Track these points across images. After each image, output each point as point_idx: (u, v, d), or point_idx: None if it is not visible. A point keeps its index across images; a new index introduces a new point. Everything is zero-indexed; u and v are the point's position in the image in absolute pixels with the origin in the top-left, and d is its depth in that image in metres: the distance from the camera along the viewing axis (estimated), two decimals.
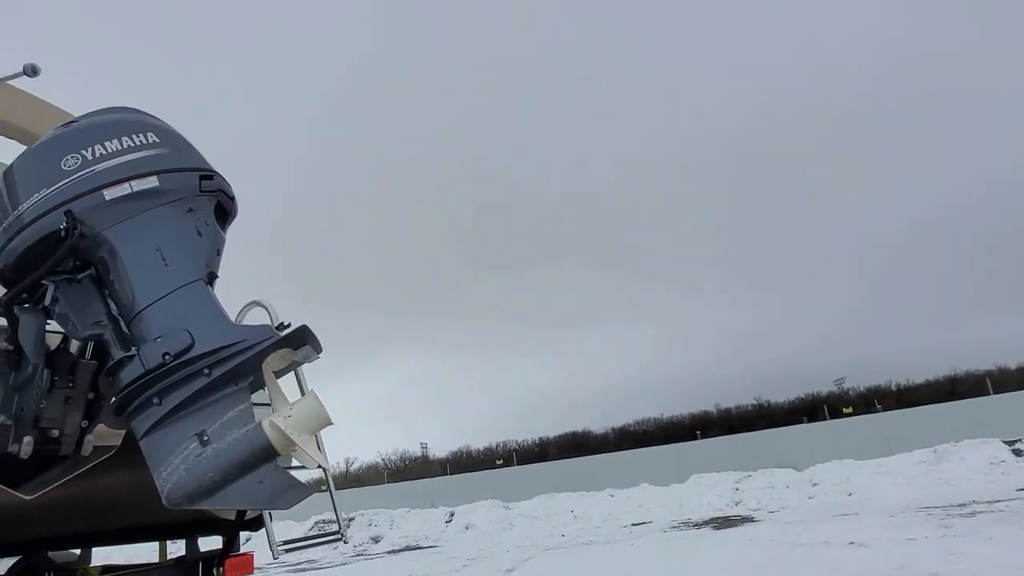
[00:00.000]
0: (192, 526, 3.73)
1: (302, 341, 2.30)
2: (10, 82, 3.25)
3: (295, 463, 2.26)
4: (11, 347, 2.33)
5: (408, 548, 18.87)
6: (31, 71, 3.02)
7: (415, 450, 46.42)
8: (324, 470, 3.54)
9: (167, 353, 2.16)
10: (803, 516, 14.83)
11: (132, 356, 2.19)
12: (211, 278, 2.46)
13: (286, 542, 2.92)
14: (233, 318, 3.96)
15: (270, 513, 3.55)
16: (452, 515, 21.44)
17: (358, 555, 18.75)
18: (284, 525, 21.99)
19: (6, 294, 2.37)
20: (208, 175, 2.54)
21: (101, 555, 4.85)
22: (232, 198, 2.65)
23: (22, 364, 2.32)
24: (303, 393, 3.54)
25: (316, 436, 2.24)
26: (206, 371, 2.17)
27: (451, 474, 30.63)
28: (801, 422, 23.55)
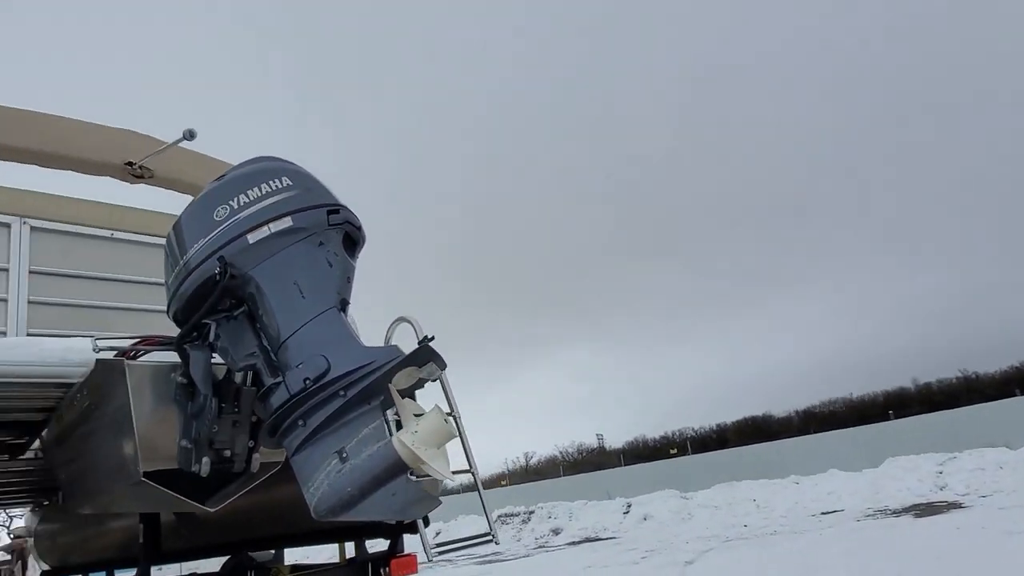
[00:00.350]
0: (359, 529, 4.06)
1: (426, 359, 2.44)
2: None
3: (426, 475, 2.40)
4: (185, 380, 2.67)
5: (587, 540, 19.05)
6: (189, 135, 3.45)
7: (591, 441, 46.64)
8: (472, 474, 3.69)
9: (307, 378, 2.38)
10: (1020, 501, 13.18)
11: (279, 383, 2.44)
12: (343, 305, 2.67)
13: (439, 545, 3.07)
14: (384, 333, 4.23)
15: (426, 517, 3.76)
16: (629, 506, 21.34)
17: (539, 547, 19.21)
18: (470, 519, 23.05)
19: (180, 334, 2.73)
20: (335, 209, 2.76)
21: (290, 555, 5.43)
22: (358, 227, 2.85)
23: (195, 394, 2.65)
24: (451, 407, 3.73)
25: (443, 448, 2.36)
26: (342, 392, 2.36)
27: (626, 464, 30.46)
28: (1014, 395, 20.74)
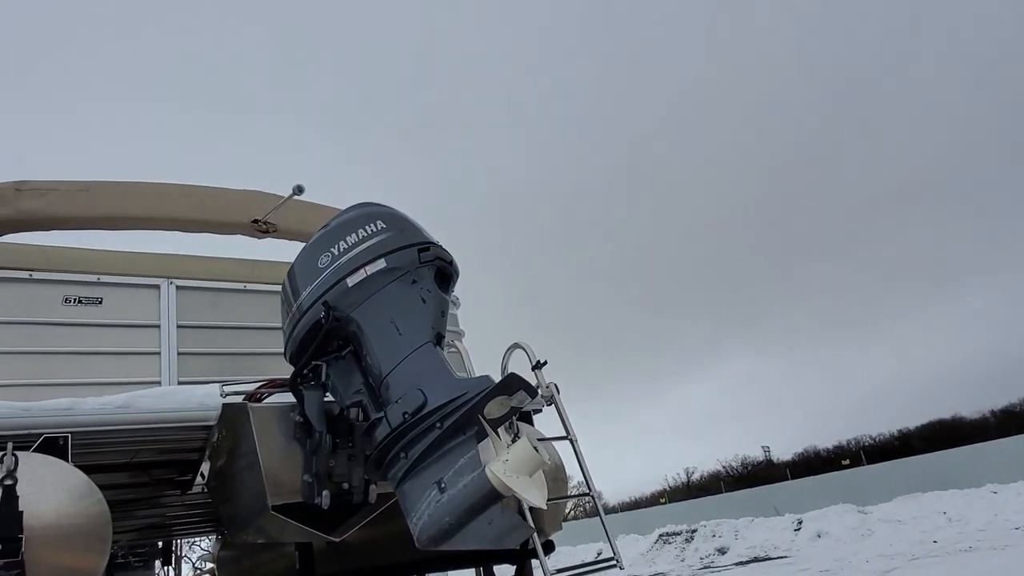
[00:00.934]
0: (486, 555, 4.12)
1: (515, 387, 2.45)
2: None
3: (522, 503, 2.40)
4: (302, 419, 2.86)
5: (756, 559, 18.06)
6: (298, 190, 3.75)
7: (756, 454, 44.36)
8: (593, 497, 3.64)
9: (406, 412, 2.48)
10: None
11: (381, 417, 2.56)
12: (439, 339, 2.76)
13: (560, 571, 3.05)
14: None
15: (551, 541, 3.75)
16: (800, 522, 19.99)
17: (704, 567, 18.46)
18: (630, 539, 22.63)
19: (292, 375, 2.94)
20: (425, 247, 2.87)
21: None
22: (450, 262, 2.95)
23: (312, 432, 2.83)
24: (567, 431, 3.71)
25: (538, 475, 2.35)
26: (438, 424, 2.43)
27: (794, 477, 28.64)
28: None
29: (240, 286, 3.93)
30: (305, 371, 2.87)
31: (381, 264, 2.78)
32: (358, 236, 2.87)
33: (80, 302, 3.45)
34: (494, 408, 2.42)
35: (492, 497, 2.24)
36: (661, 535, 22.35)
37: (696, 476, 46.68)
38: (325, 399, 2.88)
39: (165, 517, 5.79)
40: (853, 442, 38.12)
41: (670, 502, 33.38)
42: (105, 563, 2.73)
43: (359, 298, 2.76)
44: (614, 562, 3.42)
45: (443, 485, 2.34)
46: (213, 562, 8.61)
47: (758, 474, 39.20)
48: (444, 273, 2.92)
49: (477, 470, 2.29)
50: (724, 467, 44.74)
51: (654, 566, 19.59)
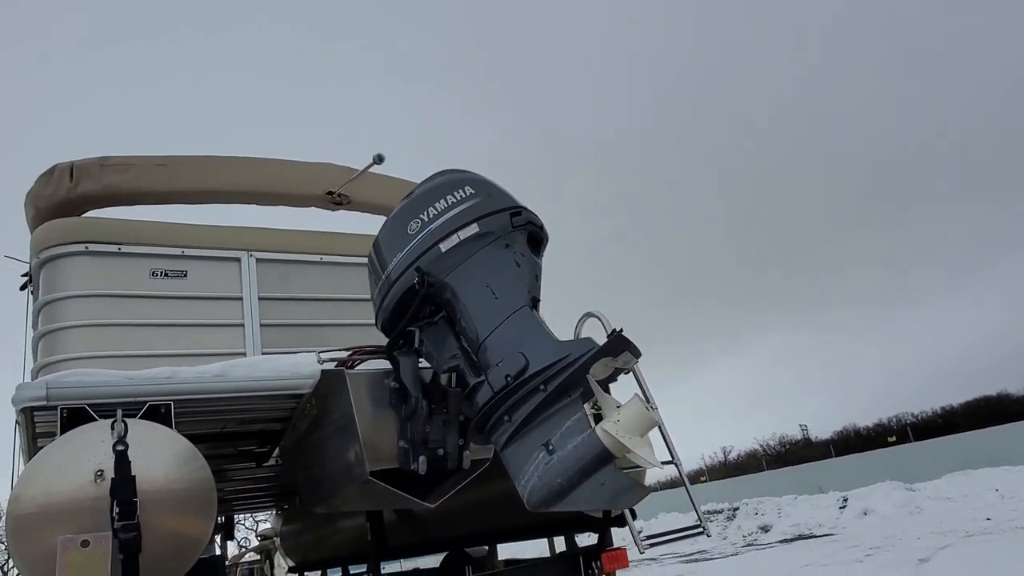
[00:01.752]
0: (569, 523, 4.12)
1: (620, 348, 2.43)
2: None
3: (633, 464, 2.38)
4: (397, 385, 2.87)
5: (800, 537, 17.93)
6: (378, 159, 3.74)
7: (794, 432, 43.92)
8: (676, 465, 3.62)
9: (508, 375, 2.47)
10: None
11: (482, 381, 2.55)
12: (534, 302, 2.74)
13: (649, 537, 3.03)
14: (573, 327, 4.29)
15: (632, 510, 3.74)
16: (846, 500, 19.78)
17: (748, 545, 18.38)
18: (671, 518, 22.60)
19: (388, 343, 2.94)
20: (517, 211, 2.84)
21: (502, 550, 5.64)
22: (540, 227, 2.92)
23: (407, 398, 2.84)
24: (647, 397, 3.68)
25: (647, 437, 2.33)
26: (542, 387, 2.42)
27: (837, 455, 28.29)
28: None
29: (316, 258, 3.96)
30: (400, 337, 2.87)
31: (474, 229, 2.76)
32: (447, 202, 2.85)
33: (166, 275, 3.50)
34: (599, 370, 2.41)
35: (604, 458, 2.22)
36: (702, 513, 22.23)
37: (733, 455, 46.43)
38: (420, 365, 2.89)
39: (235, 491, 5.91)
40: (894, 420, 37.49)
41: (709, 480, 33.24)
42: (212, 529, 2.78)
43: (453, 263, 2.74)
44: (700, 529, 3.40)
45: (551, 447, 2.32)
46: (276, 536, 8.80)
47: (797, 452, 38.81)
48: (535, 238, 2.90)
49: (586, 431, 2.27)
50: (762, 445, 44.41)
51: (696, 544, 19.52)
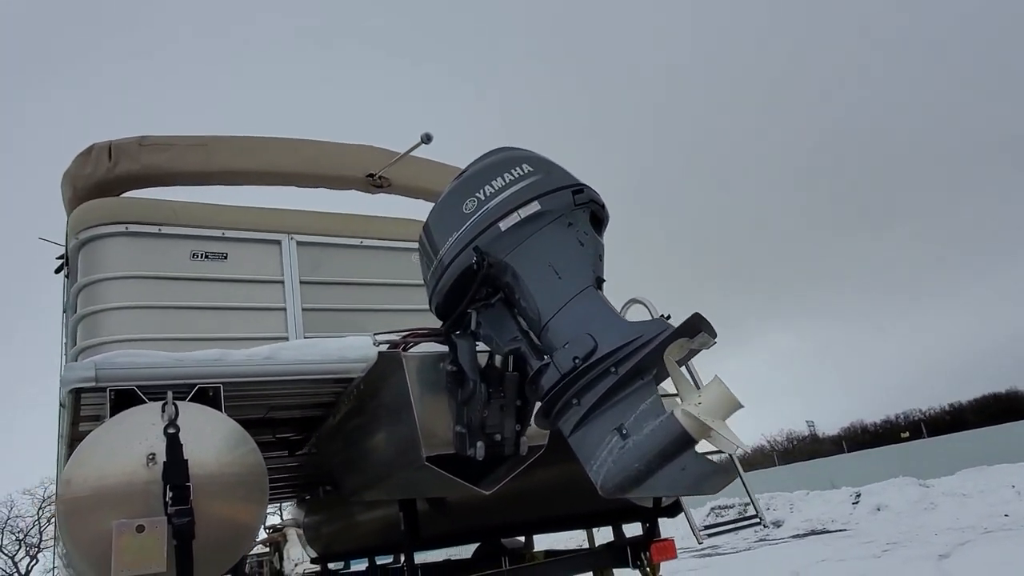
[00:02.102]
0: (616, 514, 4.04)
1: (697, 328, 2.33)
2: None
3: (711, 448, 2.29)
4: (454, 368, 2.77)
5: (814, 532, 17.85)
6: (426, 139, 3.65)
7: (801, 429, 43.78)
8: (730, 455, 3.53)
9: (576, 357, 2.37)
10: None
11: (547, 364, 2.45)
12: (599, 283, 2.64)
13: (707, 527, 2.95)
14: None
15: (678, 502, 3.65)
16: (858, 495, 19.67)
17: (760, 540, 18.30)
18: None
19: (443, 325, 2.85)
20: (579, 189, 2.74)
21: (537, 542, 5.55)
22: (602, 206, 2.82)
23: (464, 382, 2.75)
24: (697, 384, 3.59)
25: (726, 421, 2.24)
26: (613, 369, 2.32)
27: (847, 451, 28.17)
28: None
29: (356, 242, 3.87)
30: (458, 320, 2.78)
31: (535, 207, 2.66)
32: (504, 180, 2.75)
33: (207, 257, 3.42)
34: (674, 351, 2.31)
35: (684, 442, 2.12)
36: (713, 508, 22.16)
37: (739, 451, 46.29)
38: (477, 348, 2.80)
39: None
40: (902, 416, 37.34)
41: None
42: (264, 516, 2.70)
43: (512, 243, 2.64)
44: (757, 519, 3.32)
45: (625, 431, 2.23)
46: (297, 527, 8.73)
47: (804, 448, 38.71)
48: (597, 217, 2.80)
49: (664, 414, 2.18)
50: (769, 441, 44.28)
51: (707, 540, 19.47)
